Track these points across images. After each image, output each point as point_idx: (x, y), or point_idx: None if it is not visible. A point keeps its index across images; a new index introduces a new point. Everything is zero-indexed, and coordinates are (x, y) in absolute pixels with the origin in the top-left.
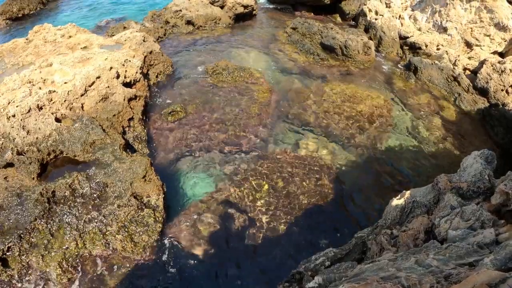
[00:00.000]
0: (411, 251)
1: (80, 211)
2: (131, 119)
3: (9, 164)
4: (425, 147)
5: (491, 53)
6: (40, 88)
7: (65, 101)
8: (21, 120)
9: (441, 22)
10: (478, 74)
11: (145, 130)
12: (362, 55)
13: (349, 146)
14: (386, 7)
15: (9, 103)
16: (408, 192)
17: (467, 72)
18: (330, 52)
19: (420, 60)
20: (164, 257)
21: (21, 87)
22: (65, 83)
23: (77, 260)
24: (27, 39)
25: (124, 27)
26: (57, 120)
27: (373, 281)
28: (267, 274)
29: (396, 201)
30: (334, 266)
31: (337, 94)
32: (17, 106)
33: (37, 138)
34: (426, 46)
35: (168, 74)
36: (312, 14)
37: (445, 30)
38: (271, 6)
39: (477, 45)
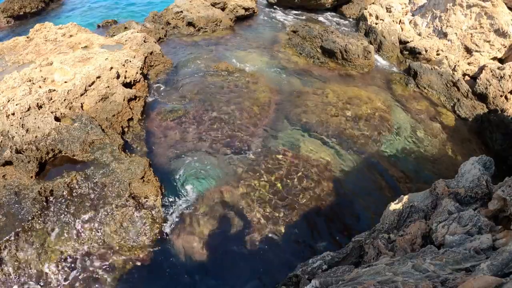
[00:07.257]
0: (408, 256)
1: (78, 211)
2: (130, 119)
3: (8, 162)
4: (423, 152)
5: (491, 59)
6: (40, 86)
7: (64, 100)
8: (20, 118)
9: (441, 27)
10: (477, 80)
11: (144, 131)
12: (362, 59)
13: (348, 149)
14: (387, 11)
15: (8, 101)
16: (406, 197)
17: (467, 77)
18: (330, 55)
19: (420, 65)
20: (162, 258)
21: (21, 85)
22: (65, 82)
23: (74, 259)
24: (28, 38)
25: (125, 28)
26: (57, 119)
27: (370, 285)
28: (264, 277)
29: (394, 206)
30: (331, 270)
31: (336, 98)
32: (16, 104)
33: (36, 136)
34: (426, 51)
35: (168, 75)
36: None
37: (445, 35)
38: (272, 9)
39: (476, 51)
